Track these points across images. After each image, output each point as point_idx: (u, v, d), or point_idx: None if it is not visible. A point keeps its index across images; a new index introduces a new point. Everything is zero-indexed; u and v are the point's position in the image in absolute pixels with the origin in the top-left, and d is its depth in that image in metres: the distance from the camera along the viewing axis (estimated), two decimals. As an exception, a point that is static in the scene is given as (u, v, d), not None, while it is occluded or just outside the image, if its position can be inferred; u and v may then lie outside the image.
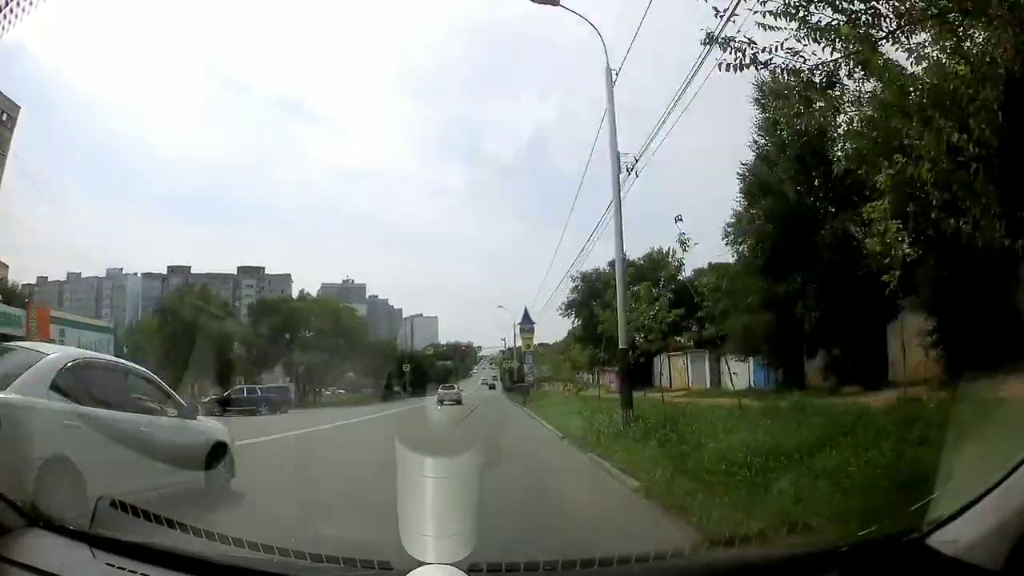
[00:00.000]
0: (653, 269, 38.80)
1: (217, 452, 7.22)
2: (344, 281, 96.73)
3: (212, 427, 7.73)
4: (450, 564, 2.15)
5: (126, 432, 6.03)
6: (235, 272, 73.41)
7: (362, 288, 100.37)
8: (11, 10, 2.57)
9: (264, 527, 5.25)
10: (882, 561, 2.25)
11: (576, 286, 41.81)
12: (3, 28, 2.60)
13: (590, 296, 38.13)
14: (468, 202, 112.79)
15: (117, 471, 5.52)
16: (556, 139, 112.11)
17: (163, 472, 6.21)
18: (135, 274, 73.46)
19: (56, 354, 6.07)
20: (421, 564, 2.14)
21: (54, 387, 5.56)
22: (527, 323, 42.02)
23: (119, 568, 2.26)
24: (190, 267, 68.28)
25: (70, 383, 5.72)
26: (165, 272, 69.26)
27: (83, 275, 70.45)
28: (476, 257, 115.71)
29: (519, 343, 59.16)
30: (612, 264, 37.27)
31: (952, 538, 1.97)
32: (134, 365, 7.61)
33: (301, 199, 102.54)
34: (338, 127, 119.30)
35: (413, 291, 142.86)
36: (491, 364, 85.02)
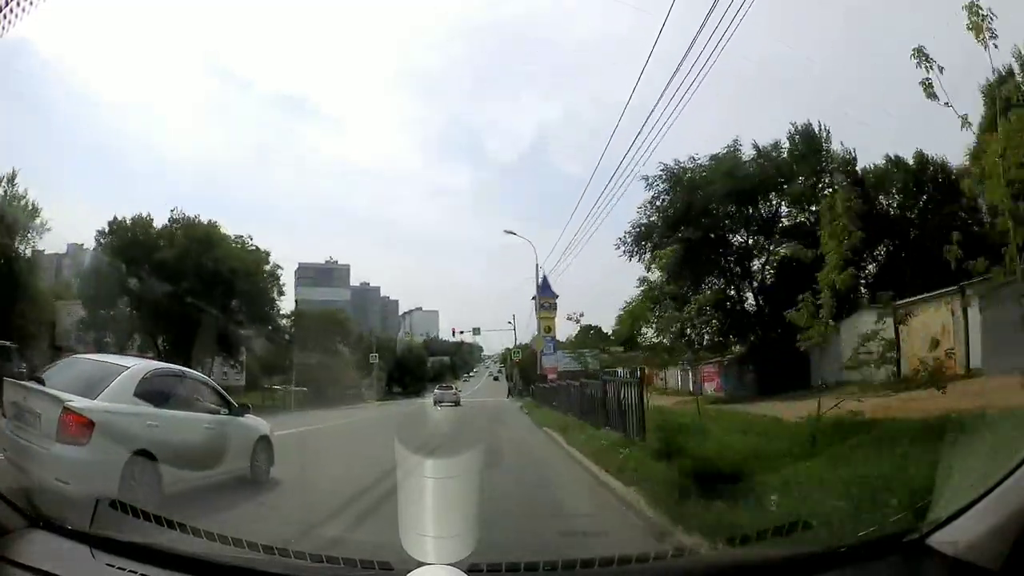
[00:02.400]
0: (811, 153, 22.71)
1: (261, 444, 8.27)
2: (327, 261, 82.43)
3: (257, 423, 8.63)
4: (450, 565, 2.15)
5: (192, 429, 7.11)
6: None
7: (346, 270, 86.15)
8: (11, 10, 2.56)
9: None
10: (882, 561, 2.25)
11: (656, 197, 23.29)
12: (3, 28, 2.59)
13: (686, 214, 22.27)
14: (470, 201, 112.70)
15: (186, 462, 6.52)
16: (557, 139, 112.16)
17: (220, 462, 7.21)
18: (94, 248, 68.13)
19: (136, 366, 7.13)
20: (421, 564, 2.14)
21: (136, 393, 6.56)
22: (547, 294, 28.74)
23: (119, 568, 2.25)
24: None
25: (148, 390, 6.74)
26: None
27: (46, 252, 67.42)
28: (478, 256, 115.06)
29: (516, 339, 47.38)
30: (716, 157, 22.68)
31: (952, 538, 1.97)
32: (195, 372, 8.90)
33: (302, 198, 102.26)
34: (340, 126, 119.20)
35: (415, 290, 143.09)
36: (495, 362, 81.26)
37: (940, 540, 2.02)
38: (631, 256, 24.30)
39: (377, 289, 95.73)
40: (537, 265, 27.85)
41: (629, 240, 24.50)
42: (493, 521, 4.04)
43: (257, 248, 36.75)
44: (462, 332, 51.01)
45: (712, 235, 23.14)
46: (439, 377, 56.10)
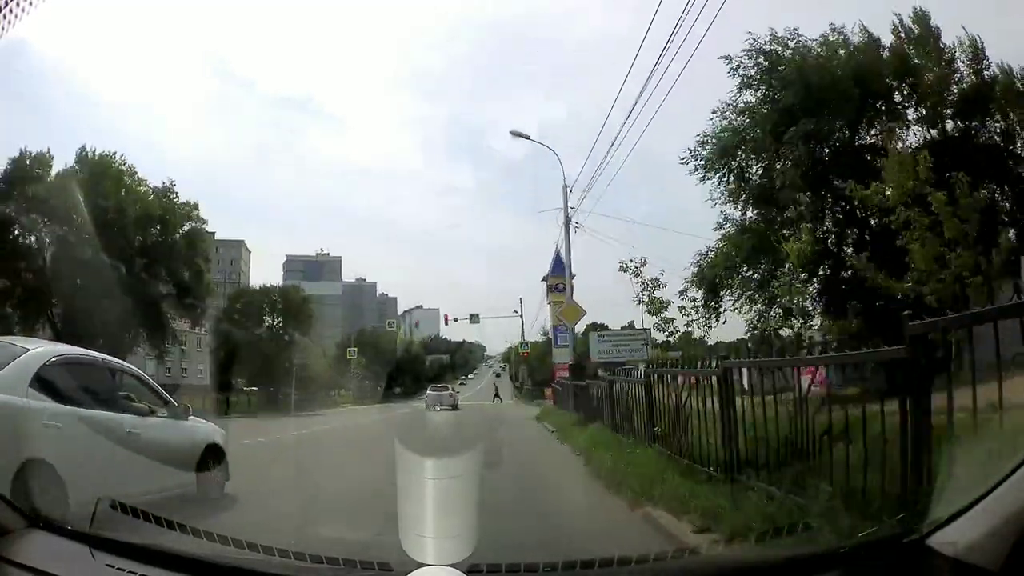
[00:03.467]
0: (929, 40, 15.91)
1: (210, 454, 6.98)
2: (317, 253, 77.51)
3: (204, 428, 7.37)
4: (450, 566, 2.15)
5: (111, 433, 5.68)
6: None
7: (337, 262, 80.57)
8: (11, 10, 2.56)
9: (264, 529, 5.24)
10: (882, 562, 2.26)
11: (748, 83, 16.11)
12: (3, 28, 2.59)
13: (797, 111, 14.86)
14: (471, 201, 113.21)
15: (101, 476, 5.17)
16: (561, 137, 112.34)
17: (151, 476, 5.85)
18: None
19: (39, 349, 5.69)
20: (421, 565, 2.14)
21: (35, 384, 5.21)
22: (559, 272, 23.07)
23: (119, 569, 2.26)
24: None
25: (52, 380, 5.35)
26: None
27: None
28: (481, 256, 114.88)
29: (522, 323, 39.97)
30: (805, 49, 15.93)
31: (952, 539, 1.97)
32: (122, 362, 7.14)
33: (303, 198, 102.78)
34: (341, 126, 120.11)
35: (417, 290, 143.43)
36: (498, 362, 76.85)
37: (940, 541, 2.02)
38: (705, 176, 16.90)
39: (373, 285, 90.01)
40: (565, 187, 20.97)
41: (703, 154, 16.90)
42: (493, 522, 4.05)
43: (179, 199, 28.40)
44: (456, 319, 44.89)
45: (838, 145, 15.45)
46: (437, 378, 51.70)
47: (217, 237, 58.26)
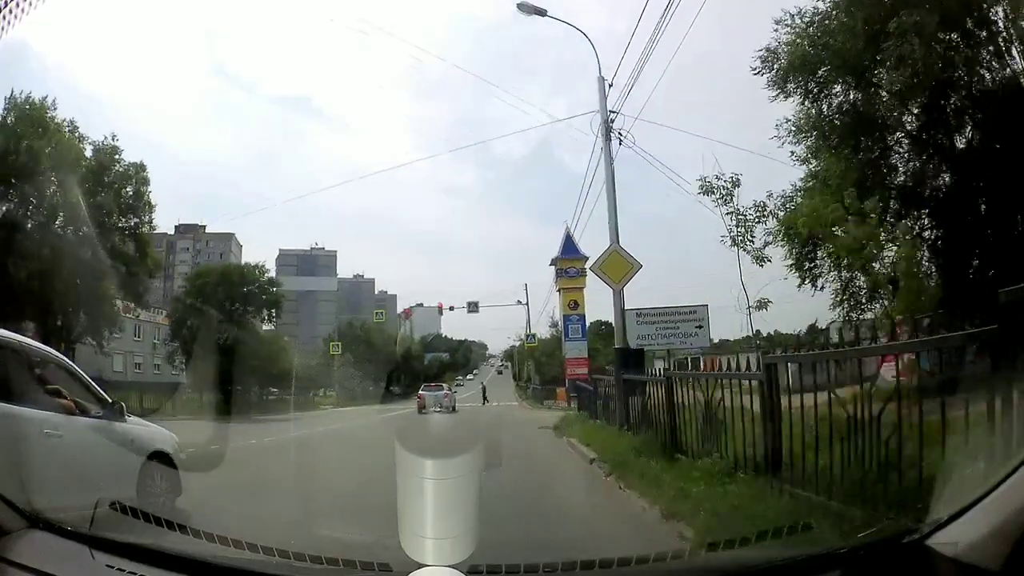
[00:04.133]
0: None
1: (155, 464, 5.91)
2: (312, 248, 72.92)
3: (147, 432, 6.24)
4: (450, 566, 2.15)
5: (23, 434, 4.67)
6: (171, 231, 56.67)
7: (332, 257, 74.87)
8: (10, 10, 2.57)
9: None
10: (882, 562, 2.25)
11: None
12: (3, 28, 2.59)
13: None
14: (476, 201, 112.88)
15: (7, 484, 4.16)
16: (563, 136, 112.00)
17: (75, 487, 4.52)
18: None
19: None
20: (421, 566, 2.13)
21: None
22: (571, 254, 21.77)
23: (119, 570, 2.26)
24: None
25: None
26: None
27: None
28: (484, 256, 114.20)
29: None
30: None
31: (952, 539, 1.97)
32: (47, 349, 5.95)
33: (309, 199, 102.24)
34: (344, 126, 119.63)
35: (418, 289, 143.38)
36: (501, 361, 75.88)
37: (940, 541, 2.02)
38: (785, 90, 13.25)
39: (371, 282, 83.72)
40: (601, 79, 14.46)
41: (783, 63, 13.01)
42: (493, 522, 4.05)
43: (122, 157, 23.91)
44: (451, 308, 40.39)
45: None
46: (436, 377, 47.66)
47: (208, 230, 57.44)
